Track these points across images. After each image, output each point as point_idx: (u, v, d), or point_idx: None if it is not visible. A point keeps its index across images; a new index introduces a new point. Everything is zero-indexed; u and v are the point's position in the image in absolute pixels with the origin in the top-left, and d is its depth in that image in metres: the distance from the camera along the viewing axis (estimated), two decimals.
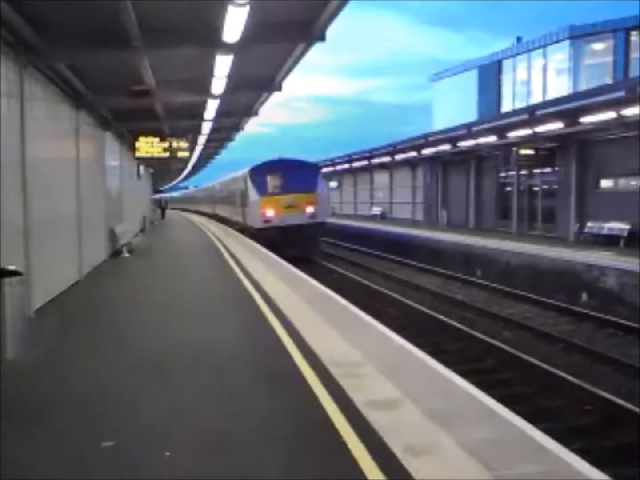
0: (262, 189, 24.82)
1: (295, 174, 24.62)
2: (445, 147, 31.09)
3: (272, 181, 24.78)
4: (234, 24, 8.84)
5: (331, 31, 10.42)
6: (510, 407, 5.51)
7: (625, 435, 7.49)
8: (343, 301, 10.87)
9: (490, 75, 42.58)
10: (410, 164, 40.74)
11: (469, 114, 39.24)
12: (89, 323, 9.87)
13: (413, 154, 35.92)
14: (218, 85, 13.69)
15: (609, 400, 8.26)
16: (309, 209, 24.55)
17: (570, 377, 9.21)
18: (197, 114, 18.93)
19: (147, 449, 4.81)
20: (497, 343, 11.47)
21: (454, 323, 13.22)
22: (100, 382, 6.51)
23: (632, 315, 13.82)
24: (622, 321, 13.22)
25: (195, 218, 53.32)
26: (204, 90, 14.44)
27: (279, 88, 15.29)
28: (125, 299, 12.27)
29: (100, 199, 17.88)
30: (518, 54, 40.84)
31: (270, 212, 24.32)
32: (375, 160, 42.82)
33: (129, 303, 11.82)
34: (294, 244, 22.51)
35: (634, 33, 33.86)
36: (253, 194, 25.13)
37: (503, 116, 29.83)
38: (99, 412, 5.64)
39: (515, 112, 28.26)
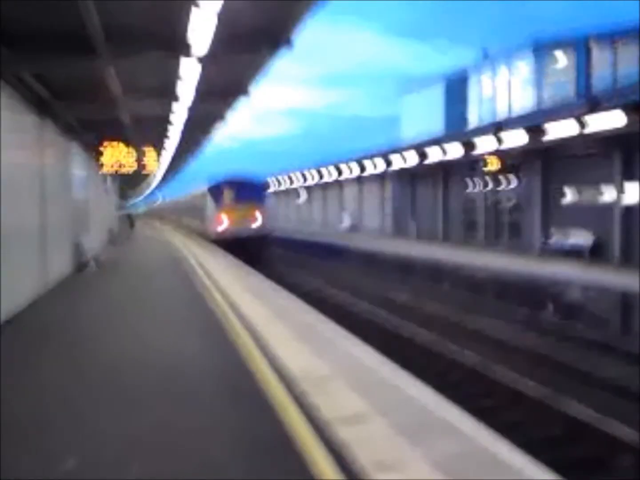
0: (218, 203, 29.37)
1: (247, 190, 29.42)
2: (414, 160, 31.37)
3: (227, 196, 29.26)
4: (201, 31, 8.76)
5: (300, 42, 10.44)
6: (478, 420, 5.48)
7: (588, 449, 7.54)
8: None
9: (456, 89, 43.14)
10: (380, 176, 40.99)
11: (437, 126, 39.68)
12: (51, 345, 9.38)
13: (382, 166, 36.15)
14: (185, 93, 13.54)
15: (571, 416, 8.30)
16: (258, 219, 29.25)
17: (533, 392, 9.24)
18: (165, 123, 18.72)
19: None
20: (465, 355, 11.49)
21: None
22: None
23: (593, 327, 14.05)
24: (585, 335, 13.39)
25: (163, 227, 55.13)
26: (172, 98, 14.28)
27: (247, 94, 15.24)
28: (90, 316, 11.83)
29: (66, 210, 17.51)
30: (483, 68, 41.48)
31: (225, 222, 28.95)
32: (345, 172, 42.99)
33: (94, 320, 11.40)
34: (246, 248, 25.85)
35: (596, 45, 34.62)
36: (211, 207, 29.86)
37: (470, 130, 30.28)
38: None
39: (482, 127, 28.68)
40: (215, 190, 29.78)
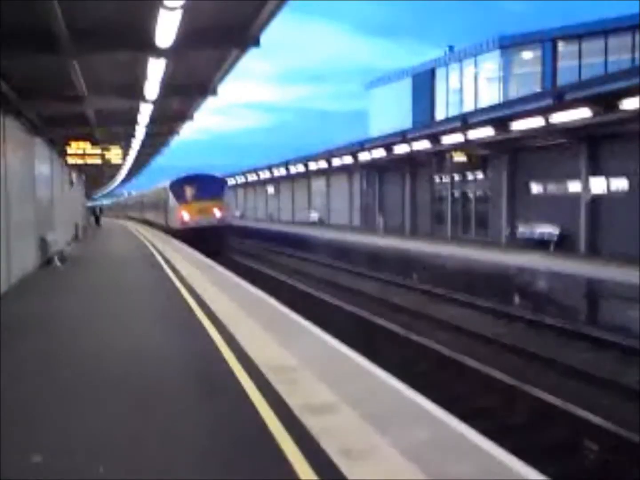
0: (179, 198, 30.71)
1: (206, 186, 30.88)
2: (381, 153, 31.56)
3: (187, 191, 30.58)
4: (167, 28, 8.71)
5: (267, 38, 10.47)
6: (446, 408, 5.61)
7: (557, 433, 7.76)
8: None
9: (424, 84, 43.49)
10: (348, 170, 41.16)
11: (404, 121, 39.97)
12: (15, 340, 9.38)
13: (350, 160, 36.30)
14: (151, 90, 13.45)
15: (543, 400, 8.51)
16: (217, 213, 30.60)
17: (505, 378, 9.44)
18: (130, 119, 18.53)
19: None
20: (432, 345, 11.67)
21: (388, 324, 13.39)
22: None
23: (561, 316, 14.39)
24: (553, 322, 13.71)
25: (127, 224, 54.89)
26: (137, 95, 14.17)
27: (214, 93, 15.18)
28: (56, 311, 11.81)
29: (30, 206, 17.25)
30: (451, 63, 41.90)
31: (186, 216, 30.22)
32: (313, 166, 43.07)
33: (59, 315, 11.37)
34: (206, 241, 27.01)
35: (561, 43, 35.29)
36: (173, 202, 31.28)
37: (437, 124, 30.57)
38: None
39: (448, 120, 29.00)
40: (176, 187, 31.22)
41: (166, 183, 33.28)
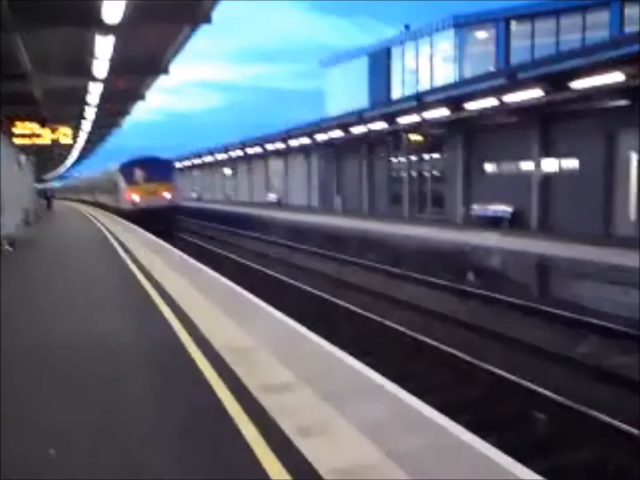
0: (129, 180, 31.39)
1: (154, 168, 31.70)
2: (338, 133, 31.51)
3: (137, 174, 31.27)
4: (114, 3, 8.45)
5: (221, 15, 10.31)
6: (401, 385, 5.68)
7: (508, 406, 7.97)
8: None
9: (380, 63, 43.44)
10: (305, 150, 41.02)
11: (361, 100, 39.93)
12: None
13: (307, 140, 36.16)
14: (100, 68, 13.08)
15: (494, 374, 8.71)
16: (166, 195, 31.35)
17: (459, 354, 9.62)
18: (80, 99, 18.02)
19: None
20: (389, 323, 11.80)
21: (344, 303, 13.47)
22: None
23: (513, 291, 14.71)
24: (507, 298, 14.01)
25: (79, 206, 54.61)
26: (86, 73, 13.78)
27: (166, 71, 14.87)
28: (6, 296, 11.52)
29: None
30: (406, 42, 41.92)
31: (136, 197, 30.89)
32: (270, 147, 42.75)
33: (12, 299, 11.11)
34: (156, 221, 27.62)
35: (514, 23, 35.66)
36: (123, 184, 31.91)
37: (393, 103, 30.65)
38: None
39: (404, 99, 29.09)
40: (126, 169, 31.99)
41: (116, 166, 34.01)
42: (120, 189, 32.81)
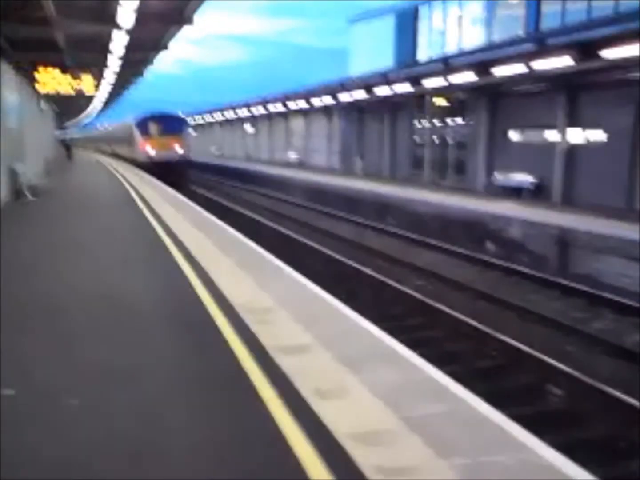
0: (144, 133, 34.00)
1: (168, 123, 34.32)
2: (361, 94, 31.02)
3: (151, 127, 33.90)
4: None
5: None
6: (417, 351, 5.67)
7: (524, 377, 7.95)
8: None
9: (407, 22, 42.43)
10: (327, 110, 40.51)
11: (386, 60, 39.18)
12: None
13: (329, 100, 35.67)
14: (124, 15, 12.85)
15: (511, 345, 8.68)
16: (177, 148, 33.86)
17: (475, 323, 9.59)
18: (102, 46, 17.80)
19: None
20: (407, 290, 11.77)
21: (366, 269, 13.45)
22: None
23: (532, 263, 14.58)
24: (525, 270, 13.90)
25: (98, 156, 55.12)
26: (110, 20, 13.55)
27: (190, 21, 14.61)
28: (33, 240, 11.68)
29: None
30: (434, 2, 40.83)
31: (150, 149, 33.57)
32: (292, 105, 42.26)
33: (35, 243, 11.33)
34: (168, 172, 30.34)
35: None
36: (138, 136, 34.44)
37: (418, 65, 30.05)
38: None
39: (430, 61, 28.51)
40: (141, 123, 34.51)
41: (132, 119, 36.31)
42: (135, 141, 35.16)
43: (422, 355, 5.56)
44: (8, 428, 4.11)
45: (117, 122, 50.94)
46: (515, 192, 22.83)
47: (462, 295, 12.10)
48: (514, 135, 24.90)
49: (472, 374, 7.46)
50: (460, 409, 4.40)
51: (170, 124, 34.54)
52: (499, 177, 24.55)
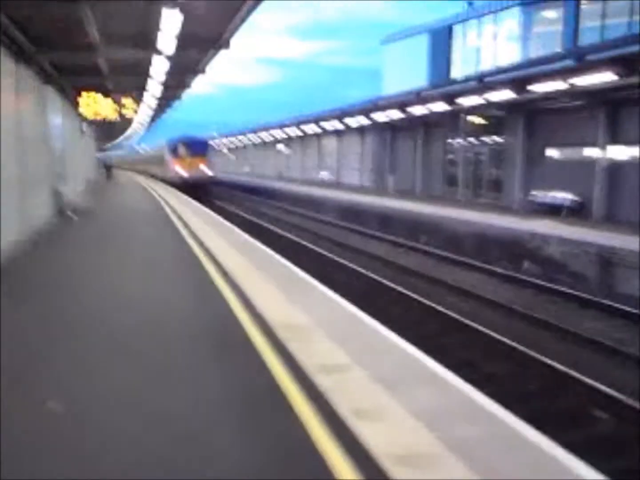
0: (174, 154, 39.07)
1: (194, 146, 39.33)
2: (395, 113, 31.07)
3: (180, 150, 38.92)
4: None
5: None
6: (455, 372, 5.62)
7: (564, 400, 7.79)
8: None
9: (441, 41, 42.48)
10: (359, 129, 40.66)
11: (419, 79, 39.22)
12: (28, 283, 9.56)
13: (362, 119, 35.80)
14: (164, 41, 13.18)
15: (549, 366, 8.52)
16: (203, 167, 38.68)
17: (512, 343, 9.46)
18: (142, 71, 18.24)
19: None
20: (441, 308, 11.68)
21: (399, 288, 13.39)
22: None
23: (573, 283, 14.32)
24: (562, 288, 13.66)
25: (134, 175, 60.12)
26: (150, 46, 13.91)
27: (227, 46, 14.89)
28: (71, 259, 12.01)
29: (43, 157, 17.19)
30: (469, 20, 40.83)
31: (179, 169, 38.57)
32: (325, 125, 42.54)
33: (74, 261, 11.66)
34: (195, 188, 35.09)
35: (584, 2, 34.23)
36: (169, 158, 39.69)
37: (453, 83, 29.97)
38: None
39: (465, 79, 28.42)
40: (172, 147, 39.59)
41: (164, 143, 41.95)
42: (167, 162, 40.21)
43: (460, 375, 5.52)
44: None
45: (153, 144, 56.95)
46: (553, 210, 22.49)
47: (499, 314, 11.95)
48: (552, 153, 24.59)
49: (511, 395, 7.33)
50: (501, 431, 4.35)
51: (197, 147, 39.40)
52: (537, 195, 24.24)
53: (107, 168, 50.09)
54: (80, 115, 21.08)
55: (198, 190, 34.70)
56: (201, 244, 13.33)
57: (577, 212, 21.82)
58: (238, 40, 14.84)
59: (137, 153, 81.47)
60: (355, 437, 4.17)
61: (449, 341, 10.08)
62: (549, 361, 8.64)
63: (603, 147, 21.30)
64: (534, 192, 24.45)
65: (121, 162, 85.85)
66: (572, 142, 23.06)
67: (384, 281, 14.12)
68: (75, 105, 20.18)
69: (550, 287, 13.91)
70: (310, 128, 45.93)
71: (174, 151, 39.22)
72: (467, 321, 10.73)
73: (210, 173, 39.18)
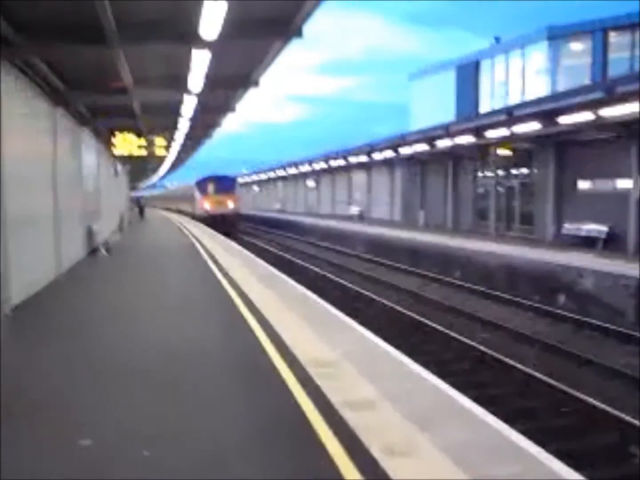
0: (202, 191, 41.04)
1: (221, 183, 41.13)
2: (423, 147, 31.17)
3: (208, 187, 40.75)
4: (211, 19, 8.71)
5: (310, 29, 10.36)
6: (487, 408, 5.50)
7: (602, 437, 7.54)
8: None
9: (468, 76, 42.77)
10: (388, 164, 40.84)
11: (447, 114, 39.40)
12: (64, 323, 9.67)
13: (391, 153, 35.98)
14: (195, 81, 13.51)
15: (586, 402, 8.28)
16: (230, 204, 40.50)
17: (546, 379, 9.23)
18: (174, 111, 18.71)
19: None
20: (475, 343, 11.49)
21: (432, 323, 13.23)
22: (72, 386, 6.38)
23: (608, 316, 13.97)
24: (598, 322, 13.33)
25: (165, 213, 61.65)
26: (181, 86, 14.26)
27: (257, 84, 15.18)
28: (102, 297, 12.16)
29: (78, 196, 17.64)
30: (496, 55, 41.08)
31: (207, 205, 40.57)
32: (353, 160, 42.86)
33: (105, 300, 11.75)
34: (223, 223, 36.70)
35: (612, 34, 34.20)
36: (197, 195, 41.73)
37: (481, 116, 30.01)
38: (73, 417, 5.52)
39: (493, 112, 28.44)
40: (200, 184, 41.58)
41: (193, 181, 44.10)
42: (195, 199, 42.26)
43: (492, 412, 5.39)
44: None
45: (183, 182, 59.21)
46: (586, 243, 22.11)
47: (532, 349, 11.69)
48: (583, 184, 24.30)
49: (546, 432, 7.12)
50: (536, 470, 4.22)
51: (224, 184, 41.07)
52: (569, 227, 23.90)
53: (140, 208, 51.21)
54: (113, 155, 21.60)
55: (225, 225, 36.30)
56: (237, 287, 13.39)
57: (610, 244, 21.40)
58: (268, 78, 15.11)
59: (167, 190, 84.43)
60: (388, 476, 4.08)
61: (481, 377, 9.88)
62: (583, 396, 8.40)
63: (636, 178, 20.96)
64: (566, 225, 24.12)
65: (153, 200, 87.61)
66: (604, 173, 22.76)
67: (415, 316, 13.97)
68: (109, 145, 20.72)
69: (586, 321, 13.59)
70: (340, 163, 46.30)
71: (202, 189, 41.02)
72: (499, 356, 10.52)
73: (237, 209, 40.92)
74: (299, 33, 10.38)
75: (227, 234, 30.86)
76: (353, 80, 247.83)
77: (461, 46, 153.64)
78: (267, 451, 4.64)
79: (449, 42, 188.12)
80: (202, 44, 10.05)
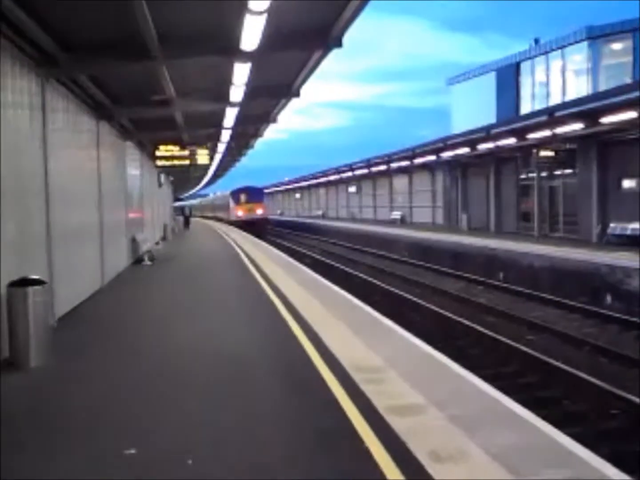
0: (236, 201, 48.56)
1: (251, 194, 48.67)
2: (465, 150, 30.92)
3: (240, 197, 48.36)
4: (252, 32, 8.87)
5: (348, 36, 10.42)
6: (535, 412, 5.45)
7: None
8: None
9: (508, 78, 42.31)
10: (430, 167, 40.61)
11: (488, 116, 39.01)
12: (110, 333, 9.88)
13: (432, 157, 35.77)
14: (236, 93, 13.73)
15: (636, 404, 8.11)
16: (259, 211, 48.05)
17: (595, 380, 9.06)
18: (216, 122, 19.01)
19: None
20: (521, 346, 11.34)
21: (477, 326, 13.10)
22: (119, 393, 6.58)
23: None
24: None
25: (207, 221, 65.13)
26: (223, 98, 14.50)
27: (297, 94, 15.31)
28: (146, 307, 12.36)
29: (121, 208, 18.04)
30: (536, 56, 40.55)
31: (240, 212, 47.93)
32: (394, 165, 42.74)
33: (150, 311, 11.91)
34: (252, 228, 41.91)
35: None
36: (232, 204, 49.31)
37: (522, 118, 29.61)
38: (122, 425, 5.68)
39: (534, 114, 28.03)
40: (234, 194, 49.01)
41: (228, 192, 51.92)
42: (230, 207, 49.72)
43: (541, 415, 5.34)
44: None
45: (224, 191, 65.01)
46: (632, 242, 21.60)
47: (580, 351, 11.48)
48: (628, 183, 23.75)
49: (596, 436, 7.00)
50: (588, 474, 4.18)
51: (253, 194, 48.58)
52: (614, 227, 23.38)
53: (186, 218, 52.44)
54: (157, 166, 22.05)
55: (255, 229, 41.91)
56: (277, 290, 13.51)
57: None
58: (307, 86, 15.22)
59: (206, 200, 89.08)
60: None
61: (529, 380, 9.76)
62: (633, 398, 8.22)
63: None
64: (611, 224, 23.60)
65: (195, 209, 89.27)
66: None
67: (459, 319, 13.86)
68: (153, 157, 21.17)
69: (634, 321, 13.28)
70: (380, 169, 46.27)
71: (235, 198, 48.63)
72: (546, 358, 10.37)
73: (264, 215, 48.48)
74: (338, 43, 10.46)
75: (257, 235, 36.87)
76: (391, 86, 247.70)
77: (499, 49, 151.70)
78: (315, 458, 4.70)
79: (486, 46, 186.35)
80: (243, 55, 10.22)
